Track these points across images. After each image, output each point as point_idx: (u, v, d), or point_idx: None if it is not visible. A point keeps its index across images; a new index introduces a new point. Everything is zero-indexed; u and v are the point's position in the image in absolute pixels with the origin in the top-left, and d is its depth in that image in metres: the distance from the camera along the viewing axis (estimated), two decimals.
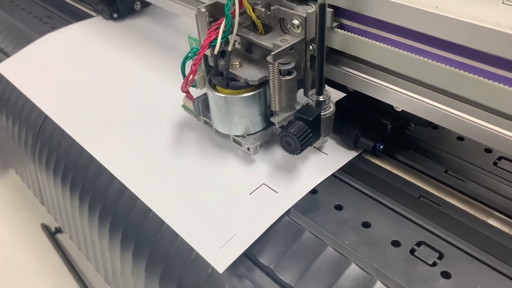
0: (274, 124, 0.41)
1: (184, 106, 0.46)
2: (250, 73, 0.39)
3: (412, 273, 0.33)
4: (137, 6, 0.73)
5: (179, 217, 0.40)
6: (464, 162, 0.42)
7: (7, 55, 0.70)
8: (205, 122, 0.45)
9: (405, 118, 0.41)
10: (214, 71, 0.40)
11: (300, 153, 0.37)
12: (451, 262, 0.33)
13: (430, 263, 0.33)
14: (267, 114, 0.42)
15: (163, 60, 0.61)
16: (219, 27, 0.37)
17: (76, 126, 0.54)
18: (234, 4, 0.36)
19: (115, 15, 0.72)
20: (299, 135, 0.36)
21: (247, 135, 0.43)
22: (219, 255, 0.36)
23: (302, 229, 0.37)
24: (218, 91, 0.41)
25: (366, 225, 0.37)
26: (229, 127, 0.42)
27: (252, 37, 0.39)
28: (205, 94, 0.44)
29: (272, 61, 0.36)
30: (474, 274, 0.32)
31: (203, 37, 0.39)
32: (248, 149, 0.42)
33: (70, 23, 0.73)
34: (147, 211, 0.44)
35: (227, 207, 0.39)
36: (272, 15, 0.38)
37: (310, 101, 0.39)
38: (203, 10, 0.38)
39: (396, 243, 0.35)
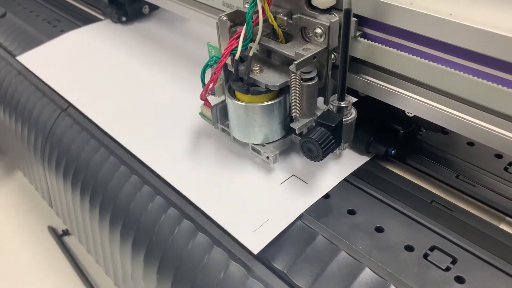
0: (293, 132, 0.41)
1: (201, 114, 0.45)
2: (270, 78, 0.39)
3: (426, 277, 0.33)
4: (145, 9, 0.73)
5: (214, 204, 0.42)
6: (475, 168, 0.42)
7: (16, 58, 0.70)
8: (223, 130, 0.45)
9: (416, 123, 0.42)
10: (233, 76, 0.40)
11: (322, 159, 0.37)
12: (465, 267, 0.33)
13: (444, 267, 0.34)
14: (286, 122, 0.42)
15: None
16: (240, 35, 0.37)
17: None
18: (255, 12, 0.36)
19: (124, 19, 0.72)
20: (322, 141, 0.36)
21: (266, 143, 0.43)
22: (254, 238, 0.38)
23: (315, 234, 0.37)
24: (238, 99, 0.41)
25: (379, 229, 0.37)
26: (248, 135, 0.42)
27: (273, 45, 0.39)
28: (223, 101, 0.44)
29: (295, 71, 0.36)
30: (488, 279, 0.33)
31: (224, 45, 0.39)
32: (268, 157, 0.42)
33: (79, 26, 0.73)
34: (158, 215, 0.44)
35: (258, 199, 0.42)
36: (294, 24, 0.38)
37: (331, 106, 0.38)
38: (225, 18, 0.39)
39: (409, 248, 0.35)
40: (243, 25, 0.37)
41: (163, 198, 0.44)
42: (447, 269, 0.33)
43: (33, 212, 0.83)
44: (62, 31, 0.72)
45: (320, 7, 0.36)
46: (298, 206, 0.39)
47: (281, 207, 0.40)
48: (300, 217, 0.38)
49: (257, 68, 0.40)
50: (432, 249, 0.35)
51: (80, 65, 0.63)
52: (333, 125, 0.37)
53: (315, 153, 0.37)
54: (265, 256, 0.36)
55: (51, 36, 0.71)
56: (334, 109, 0.38)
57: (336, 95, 0.38)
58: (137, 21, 0.73)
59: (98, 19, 0.75)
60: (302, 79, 0.38)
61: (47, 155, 0.59)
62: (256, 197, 0.41)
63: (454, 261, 0.34)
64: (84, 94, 0.59)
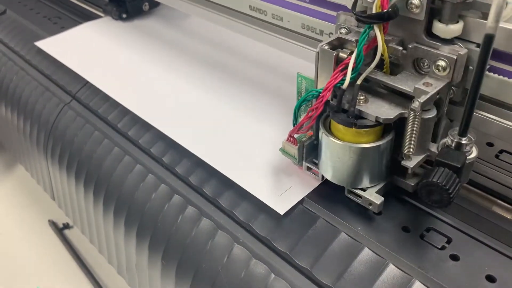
0: (395, 172, 0.37)
1: (283, 151, 0.41)
2: (380, 109, 0.34)
3: (423, 256, 0.35)
4: (146, 7, 0.75)
5: (240, 175, 0.43)
6: None
7: (17, 54, 0.71)
8: (308, 169, 0.41)
9: None
10: (335, 107, 0.35)
11: (448, 205, 0.32)
12: (459, 246, 0.35)
13: (439, 247, 0.35)
14: (389, 162, 0.37)
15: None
16: (346, 67, 0.33)
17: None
18: (367, 40, 0.33)
19: (124, 16, 0.73)
20: (449, 185, 0.31)
21: (367, 187, 0.37)
22: (279, 201, 0.40)
23: (316, 217, 0.39)
24: (338, 138, 0.36)
25: (380, 213, 0.38)
26: (346, 178, 0.37)
27: (382, 78, 0.34)
28: (310, 137, 0.39)
29: (419, 110, 0.31)
30: (480, 256, 0.34)
31: (324, 77, 0.35)
32: (370, 204, 0.37)
33: (80, 23, 0.74)
34: (163, 202, 0.45)
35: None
36: (408, 54, 0.34)
37: (449, 141, 0.34)
38: (327, 47, 0.35)
39: (406, 229, 0.37)
40: (341, 52, 0.34)
41: (168, 186, 0.46)
42: (443, 248, 0.35)
43: (33, 206, 0.84)
44: (63, 28, 0.73)
45: (443, 37, 0.33)
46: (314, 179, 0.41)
47: (302, 179, 0.41)
48: (301, 201, 0.40)
49: (362, 97, 0.34)
50: (428, 230, 0.37)
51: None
52: (459, 166, 0.32)
53: (438, 198, 0.32)
54: (268, 238, 0.38)
55: (51, 33, 0.72)
56: (453, 146, 0.34)
57: (456, 129, 0.34)
58: (138, 18, 0.75)
59: (99, 16, 0.76)
60: None
61: (50, 148, 0.60)
62: (279, 171, 0.43)
63: (449, 241, 0.36)
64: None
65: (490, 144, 0.45)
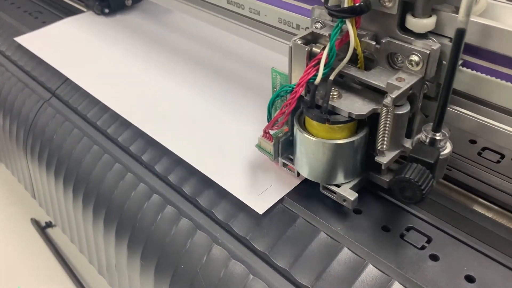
0: (371, 169, 0.37)
1: (259, 147, 0.40)
2: (353, 105, 0.33)
3: (402, 256, 0.34)
4: (128, 1, 0.73)
5: (220, 173, 0.42)
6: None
7: None
8: (284, 165, 0.40)
9: None
10: (307, 103, 0.34)
11: (420, 202, 0.32)
12: (439, 246, 0.35)
13: (419, 246, 0.35)
14: (364, 158, 0.37)
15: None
16: (319, 63, 0.32)
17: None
18: (339, 35, 0.32)
19: (107, 11, 0.72)
20: (422, 181, 0.31)
21: (341, 183, 0.37)
22: (258, 200, 0.39)
23: (296, 216, 0.38)
24: (312, 134, 0.35)
25: (358, 211, 0.38)
26: (320, 174, 0.37)
27: (355, 73, 0.34)
28: (286, 133, 0.39)
29: (391, 105, 0.31)
30: (460, 256, 0.34)
31: (296, 72, 0.35)
32: (344, 200, 0.36)
33: (61, 18, 0.73)
34: (142, 202, 0.44)
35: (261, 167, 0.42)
36: (382, 49, 0.33)
37: (423, 137, 0.33)
38: (300, 42, 0.34)
39: (386, 228, 0.36)
40: (314, 47, 0.34)
41: (146, 185, 0.45)
42: (422, 248, 0.35)
43: (15, 205, 0.83)
44: (44, 23, 0.72)
45: (416, 31, 0.32)
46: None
47: (282, 177, 0.41)
48: (281, 200, 0.39)
49: (336, 93, 0.34)
50: (408, 229, 0.36)
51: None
52: (432, 161, 0.31)
53: (411, 194, 0.31)
54: (247, 238, 0.37)
55: (32, 28, 0.71)
56: (427, 141, 0.33)
57: (430, 124, 0.34)
58: (120, 13, 0.73)
59: (81, 11, 0.75)
60: None
61: (29, 146, 0.59)
62: (259, 168, 0.42)
63: (429, 240, 0.35)
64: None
65: (473, 142, 0.45)
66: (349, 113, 0.33)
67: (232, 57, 0.60)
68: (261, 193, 0.40)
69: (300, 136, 0.36)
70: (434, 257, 0.34)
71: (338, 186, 0.37)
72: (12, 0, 0.80)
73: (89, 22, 0.71)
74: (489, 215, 0.38)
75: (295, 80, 0.35)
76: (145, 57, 0.62)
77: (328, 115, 0.33)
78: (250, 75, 0.57)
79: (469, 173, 0.41)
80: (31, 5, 0.78)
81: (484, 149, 0.44)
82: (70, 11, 0.75)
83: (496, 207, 0.38)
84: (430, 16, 0.31)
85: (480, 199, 0.39)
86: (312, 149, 0.35)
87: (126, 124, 0.51)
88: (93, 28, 0.70)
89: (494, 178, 0.40)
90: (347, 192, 0.36)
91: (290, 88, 0.34)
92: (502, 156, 0.43)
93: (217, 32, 0.59)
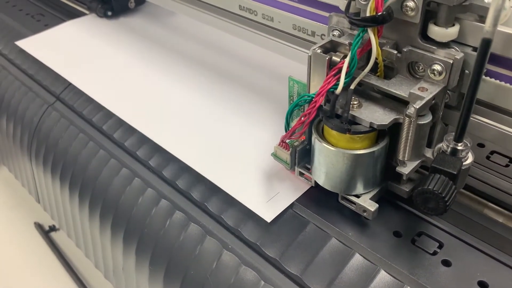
0: (389, 178, 0.36)
1: (275, 155, 0.40)
2: (374, 114, 0.33)
3: (414, 261, 0.34)
4: (131, 4, 0.73)
5: (228, 180, 0.42)
6: None
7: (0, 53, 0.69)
8: (301, 174, 0.40)
9: None
10: (327, 112, 0.34)
11: (444, 213, 0.31)
12: (451, 251, 0.35)
13: (431, 252, 0.35)
14: (383, 167, 0.36)
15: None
16: (339, 72, 0.32)
17: None
18: (361, 44, 0.32)
19: (109, 13, 0.72)
20: (445, 193, 0.30)
21: (360, 193, 0.36)
22: (266, 207, 0.39)
23: (306, 222, 0.38)
24: (331, 144, 0.35)
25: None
26: (340, 185, 0.36)
27: (376, 82, 0.33)
28: (303, 142, 0.38)
29: (414, 116, 0.30)
30: (472, 261, 0.34)
31: (316, 81, 0.34)
32: (364, 211, 0.36)
33: (64, 20, 0.72)
34: (150, 207, 0.44)
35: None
36: (403, 58, 0.33)
37: (445, 147, 0.33)
38: (319, 51, 0.33)
39: (397, 234, 0.36)
40: (334, 55, 0.33)
41: (154, 190, 0.45)
42: (434, 253, 0.35)
43: (18, 208, 0.83)
44: (47, 26, 0.71)
45: (438, 40, 0.32)
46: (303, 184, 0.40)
47: (290, 183, 0.41)
48: (291, 206, 0.39)
49: (356, 102, 0.33)
50: (419, 234, 0.36)
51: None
52: (455, 172, 0.31)
53: (434, 206, 0.31)
54: (258, 245, 0.37)
55: (35, 30, 0.70)
56: (448, 151, 0.33)
57: (451, 134, 0.33)
58: (123, 15, 0.73)
59: (83, 14, 0.74)
60: None
61: (34, 150, 0.59)
62: (265, 174, 0.42)
63: (440, 246, 0.35)
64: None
65: (481, 145, 0.45)
66: (371, 123, 0.32)
67: (243, 62, 0.60)
68: (269, 200, 0.40)
69: (319, 146, 0.35)
70: (446, 263, 0.34)
71: (357, 196, 0.36)
72: (14, 2, 0.80)
73: (91, 25, 0.71)
74: (500, 219, 0.38)
75: (313, 89, 0.35)
76: (150, 60, 0.61)
77: (349, 125, 0.33)
78: (262, 81, 0.56)
79: (478, 177, 0.41)
80: (33, 8, 0.78)
81: (492, 152, 0.44)
82: (73, 14, 0.75)
83: (507, 212, 0.38)
84: (453, 25, 0.31)
85: (491, 204, 0.39)
86: (331, 159, 0.35)
87: (132, 129, 0.50)
88: (96, 31, 0.69)
89: (504, 182, 0.40)
90: (367, 202, 0.36)
91: (310, 98, 0.34)
92: (511, 160, 0.43)
93: (224, 35, 0.59)
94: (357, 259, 0.35)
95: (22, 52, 0.67)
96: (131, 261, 0.46)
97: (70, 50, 0.65)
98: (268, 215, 0.38)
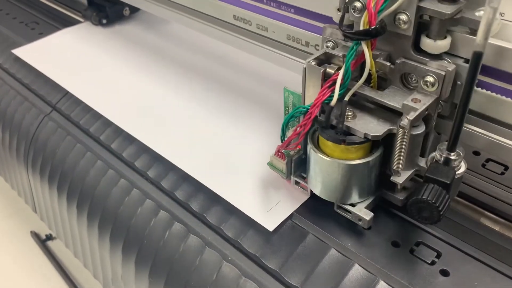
0: (384, 186, 0.37)
1: (271, 165, 0.41)
2: (368, 125, 0.33)
3: (413, 271, 0.34)
4: (126, 12, 0.73)
5: (227, 189, 0.42)
6: None
7: None
8: (296, 183, 0.40)
9: None
10: (323, 123, 0.34)
11: (438, 222, 0.32)
12: (449, 261, 0.35)
13: (429, 261, 0.35)
14: (378, 177, 0.37)
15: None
16: (334, 84, 0.33)
17: None
18: (355, 56, 0.32)
19: (104, 21, 0.72)
20: (439, 202, 0.31)
21: (356, 202, 0.37)
22: (268, 217, 0.39)
23: (306, 233, 0.38)
24: (326, 154, 0.35)
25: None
26: (336, 194, 0.37)
27: (370, 93, 0.34)
28: (299, 151, 0.39)
29: (408, 127, 0.31)
30: (471, 271, 0.34)
31: (311, 93, 0.35)
32: (360, 220, 0.36)
33: (58, 29, 0.72)
34: (149, 218, 0.44)
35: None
36: (396, 69, 0.34)
37: (438, 156, 0.34)
38: (314, 63, 0.34)
39: (396, 244, 0.37)
40: (328, 67, 0.34)
41: (153, 201, 0.45)
42: (433, 263, 0.35)
43: (14, 217, 0.82)
44: (41, 34, 0.71)
45: (430, 52, 0.32)
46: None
47: (290, 192, 0.41)
48: (290, 216, 0.39)
49: (350, 113, 0.34)
50: (417, 244, 0.37)
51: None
52: (449, 182, 0.32)
53: (427, 215, 0.32)
54: (257, 256, 0.37)
55: (29, 39, 0.70)
56: (442, 161, 0.33)
57: (444, 143, 0.33)
58: (118, 23, 0.73)
59: (78, 22, 0.74)
60: None
61: (31, 160, 0.59)
62: (266, 184, 0.42)
63: (438, 255, 0.36)
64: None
65: (476, 153, 0.45)
66: (365, 134, 0.33)
67: (239, 71, 0.60)
68: (270, 209, 0.40)
69: (315, 156, 0.36)
70: (444, 273, 0.34)
71: (352, 205, 0.37)
72: (7, 10, 0.80)
73: (86, 33, 0.71)
74: (497, 228, 0.38)
75: (308, 100, 0.36)
76: (145, 68, 0.61)
77: (344, 135, 0.33)
78: (258, 90, 0.56)
79: (474, 185, 0.41)
80: (28, 16, 0.78)
81: (488, 160, 0.44)
82: (67, 22, 0.75)
83: (503, 220, 0.39)
84: (445, 37, 0.32)
85: (487, 212, 0.39)
86: (327, 169, 0.35)
87: (130, 139, 0.50)
88: (91, 39, 0.69)
89: (499, 191, 0.41)
90: (362, 211, 0.36)
91: (305, 109, 0.34)
92: (506, 168, 0.43)
93: (219, 44, 0.59)
94: (356, 270, 0.35)
95: (17, 61, 0.66)
96: (130, 272, 0.46)
97: (66, 58, 0.65)
98: (270, 225, 0.38)
